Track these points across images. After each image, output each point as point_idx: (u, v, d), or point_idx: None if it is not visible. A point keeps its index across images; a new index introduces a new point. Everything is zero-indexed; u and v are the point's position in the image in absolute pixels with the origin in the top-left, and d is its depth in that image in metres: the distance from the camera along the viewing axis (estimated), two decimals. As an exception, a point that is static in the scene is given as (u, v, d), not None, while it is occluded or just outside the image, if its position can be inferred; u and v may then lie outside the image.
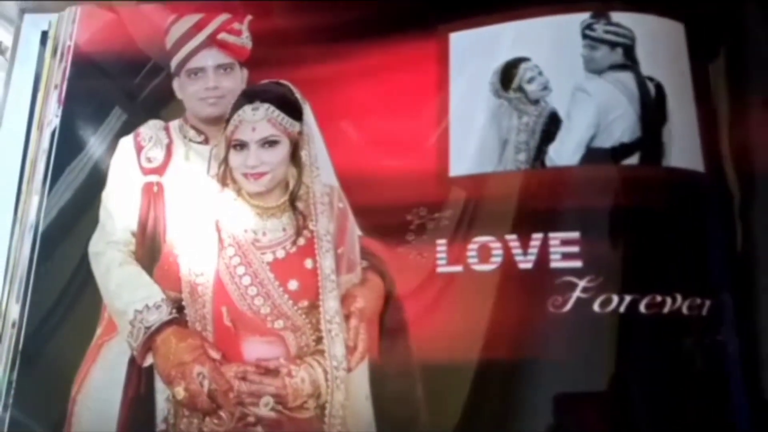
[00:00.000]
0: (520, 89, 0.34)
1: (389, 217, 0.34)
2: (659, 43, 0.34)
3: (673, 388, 0.28)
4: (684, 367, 0.29)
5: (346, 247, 0.35)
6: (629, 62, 0.33)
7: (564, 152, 0.32)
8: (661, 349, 0.29)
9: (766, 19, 0.36)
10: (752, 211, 0.32)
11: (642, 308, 0.29)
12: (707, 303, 0.29)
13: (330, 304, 0.34)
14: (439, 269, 0.32)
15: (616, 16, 0.34)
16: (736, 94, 0.35)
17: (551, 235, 0.31)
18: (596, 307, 0.29)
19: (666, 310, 0.29)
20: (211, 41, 0.40)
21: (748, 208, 0.32)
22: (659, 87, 0.33)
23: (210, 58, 0.39)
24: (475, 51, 0.35)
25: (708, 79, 0.34)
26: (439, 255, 0.32)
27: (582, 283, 0.30)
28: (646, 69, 0.33)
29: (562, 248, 0.30)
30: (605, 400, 0.28)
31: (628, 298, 0.29)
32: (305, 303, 0.34)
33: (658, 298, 0.29)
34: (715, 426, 0.29)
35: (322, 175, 0.36)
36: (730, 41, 0.36)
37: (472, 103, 0.34)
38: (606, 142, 0.32)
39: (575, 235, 0.30)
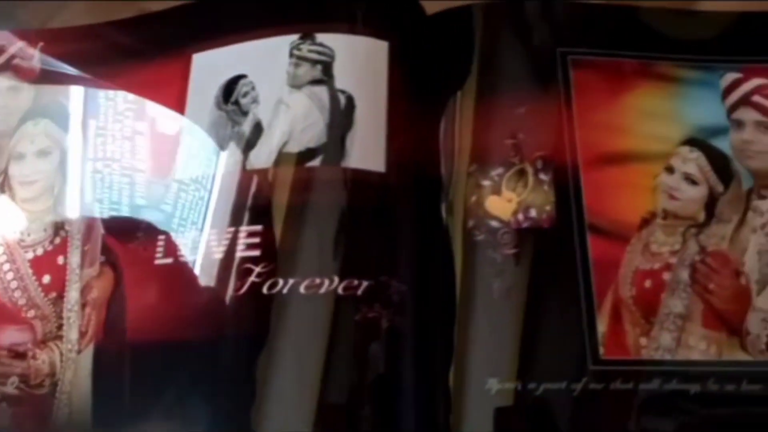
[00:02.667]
0: (236, 103, 0.38)
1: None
2: (357, 60, 0.38)
3: (328, 357, 0.32)
4: (338, 339, 0.33)
5: (91, 244, 0.39)
6: (326, 77, 0.38)
7: (261, 157, 0.36)
8: (316, 323, 0.33)
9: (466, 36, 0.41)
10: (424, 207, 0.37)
11: (302, 289, 0.33)
12: (364, 284, 0.33)
13: (72, 294, 0.38)
14: (156, 261, 0.36)
15: (321, 37, 0.38)
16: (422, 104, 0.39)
17: (241, 228, 0.35)
18: (265, 289, 0.33)
19: (323, 290, 0.33)
20: (6, 66, 0.45)
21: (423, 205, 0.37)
22: (350, 98, 0.37)
23: (3, 80, 0.45)
24: (210, 69, 0.40)
25: (413, 91, 0.39)
26: (158, 249, 0.36)
27: (257, 269, 0.34)
28: (340, 83, 0.37)
29: (247, 239, 0.35)
30: (272, 370, 0.32)
31: (291, 281, 0.33)
32: (54, 294, 0.38)
33: (317, 281, 0.33)
34: (377, 387, 0.33)
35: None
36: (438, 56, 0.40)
37: (200, 116, 0.39)
38: (295, 147, 0.36)
39: (258, 228, 0.35)
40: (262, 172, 0.36)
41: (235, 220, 0.35)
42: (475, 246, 0.37)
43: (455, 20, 0.42)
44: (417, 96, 0.40)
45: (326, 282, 0.33)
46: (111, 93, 0.42)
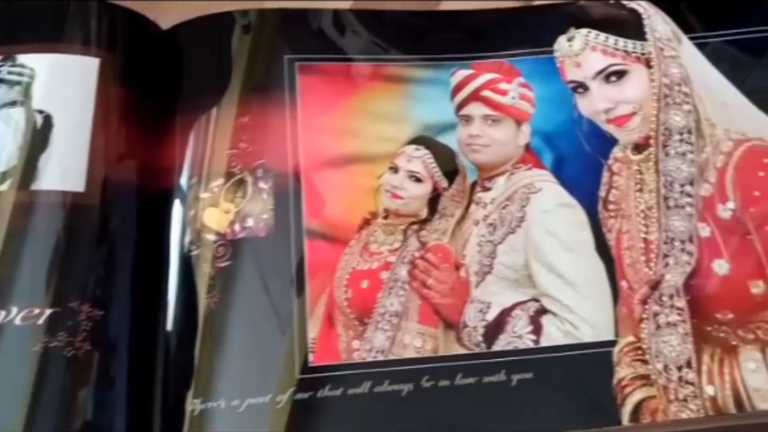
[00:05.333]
0: (-67, 130, 0.37)
1: None
2: (62, 79, 0.36)
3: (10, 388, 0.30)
4: (20, 370, 0.30)
5: None
6: (23, 98, 0.36)
7: (-50, 184, 0.35)
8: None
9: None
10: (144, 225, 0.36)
11: (-25, 322, 0.31)
12: (47, 312, 0.32)
13: None
14: None
15: (23, 58, 0.37)
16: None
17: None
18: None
19: (-1, 322, 0.31)
20: None
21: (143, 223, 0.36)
22: (48, 118, 0.36)
23: None
24: None
25: (139, 107, 0.38)
26: None
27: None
28: (39, 103, 0.36)
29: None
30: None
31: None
32: None
33: (-7, 312, 0.31)
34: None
35: None
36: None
37: None
38: (-17, 172, 0.35)
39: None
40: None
41: None
42: (192, 261, 0.35)
43: (191, 34, 0.42)
44: (145, 111, 0.38)
45: (2, 313, 0.31)
46: None
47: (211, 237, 0.35)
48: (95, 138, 0.36)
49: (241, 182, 0.37)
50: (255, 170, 0.37)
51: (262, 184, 0.37)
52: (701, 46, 0.41)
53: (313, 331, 0.34)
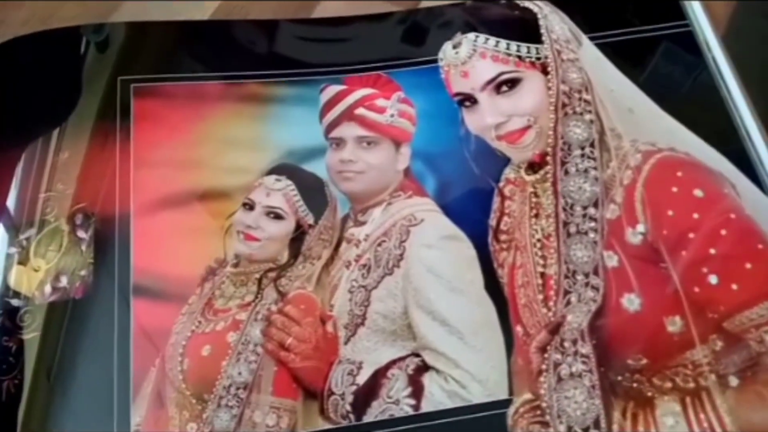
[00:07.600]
0: None
1: None
2: None
3: None
4: None
5: None
6: None
7: None
8: None
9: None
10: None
11: None
12: None
13: None
14: None
15: None
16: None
17: None
18: None
19: None
20: None
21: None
22: None
23: None
24: None
25: None
26: None
27: None
28: None
29: None
30: None
31: None
32: None
33: None
34: None
35: None
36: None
37: None
38: None
39: None
40: None
41: None
42: (-7, 334, 0.29)
43: (18, 55, 0.36)
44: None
45: None
46: None
47: (15, 302, 0.29)
48: None
49: (55, 232, 0.31)
50: (73, 216, 0.31)
51: (81, 234, 0.30)
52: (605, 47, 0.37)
53: (137, 414, 0.27)
